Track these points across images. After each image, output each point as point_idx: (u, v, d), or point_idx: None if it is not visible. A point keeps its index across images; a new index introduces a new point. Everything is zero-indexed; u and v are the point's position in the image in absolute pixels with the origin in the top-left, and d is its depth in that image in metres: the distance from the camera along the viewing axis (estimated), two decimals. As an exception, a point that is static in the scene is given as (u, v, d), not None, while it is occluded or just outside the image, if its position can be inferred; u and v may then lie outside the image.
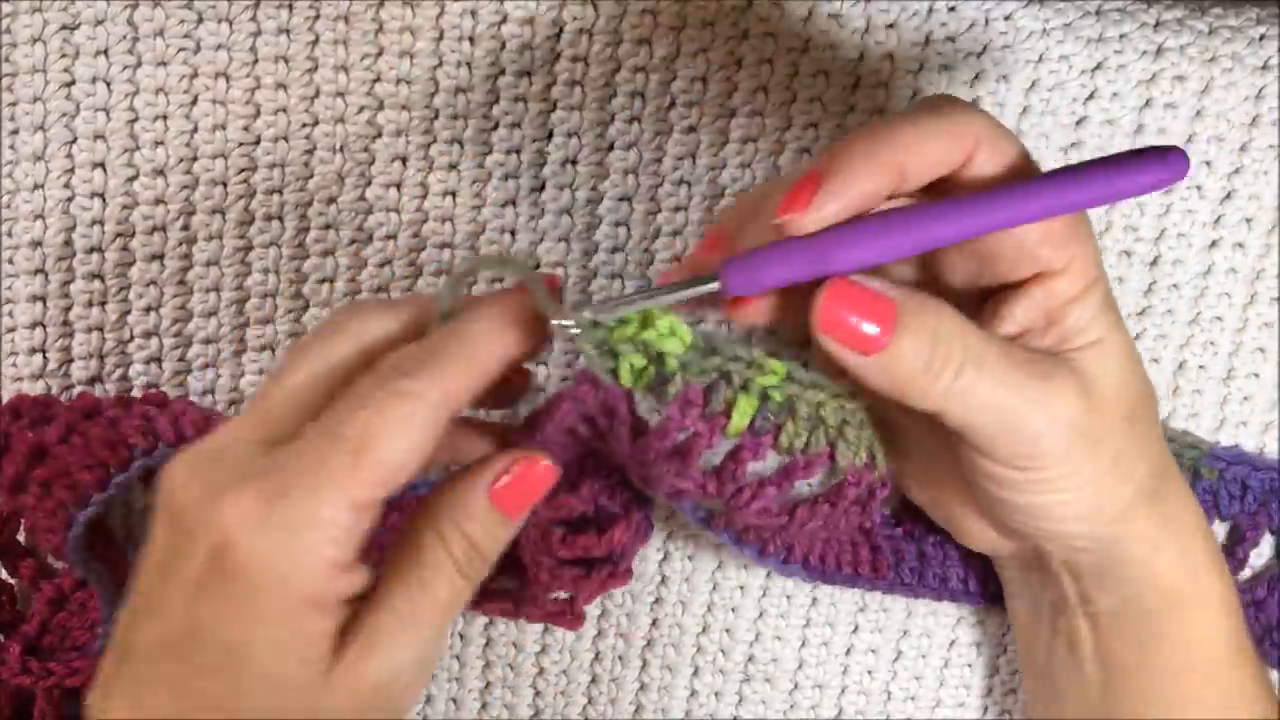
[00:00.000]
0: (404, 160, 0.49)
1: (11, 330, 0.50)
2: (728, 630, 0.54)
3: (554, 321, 0.37)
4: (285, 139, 0.49)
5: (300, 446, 0.35)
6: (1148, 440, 0.41)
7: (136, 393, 0.51)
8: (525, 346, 0.37)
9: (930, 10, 0.47)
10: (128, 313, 0.50)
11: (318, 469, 0.34)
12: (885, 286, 0.37)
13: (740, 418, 0.40)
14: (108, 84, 0.48)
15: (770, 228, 0.37)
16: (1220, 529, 0.51)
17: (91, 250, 0.50)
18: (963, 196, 0.36)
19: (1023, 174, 0.38)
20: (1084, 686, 0.44)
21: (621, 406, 0.40)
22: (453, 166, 0.50)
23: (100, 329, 0.50)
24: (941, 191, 0.38)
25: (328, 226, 0.50)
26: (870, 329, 0.36)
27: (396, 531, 0.39)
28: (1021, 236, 0.38)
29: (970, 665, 0.54)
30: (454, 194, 0.50)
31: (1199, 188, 0.48)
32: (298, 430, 0.35)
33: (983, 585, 0.51)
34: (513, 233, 0.50)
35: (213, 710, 0.35)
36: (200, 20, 0.48)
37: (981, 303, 0.41)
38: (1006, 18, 0.47)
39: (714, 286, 0.37)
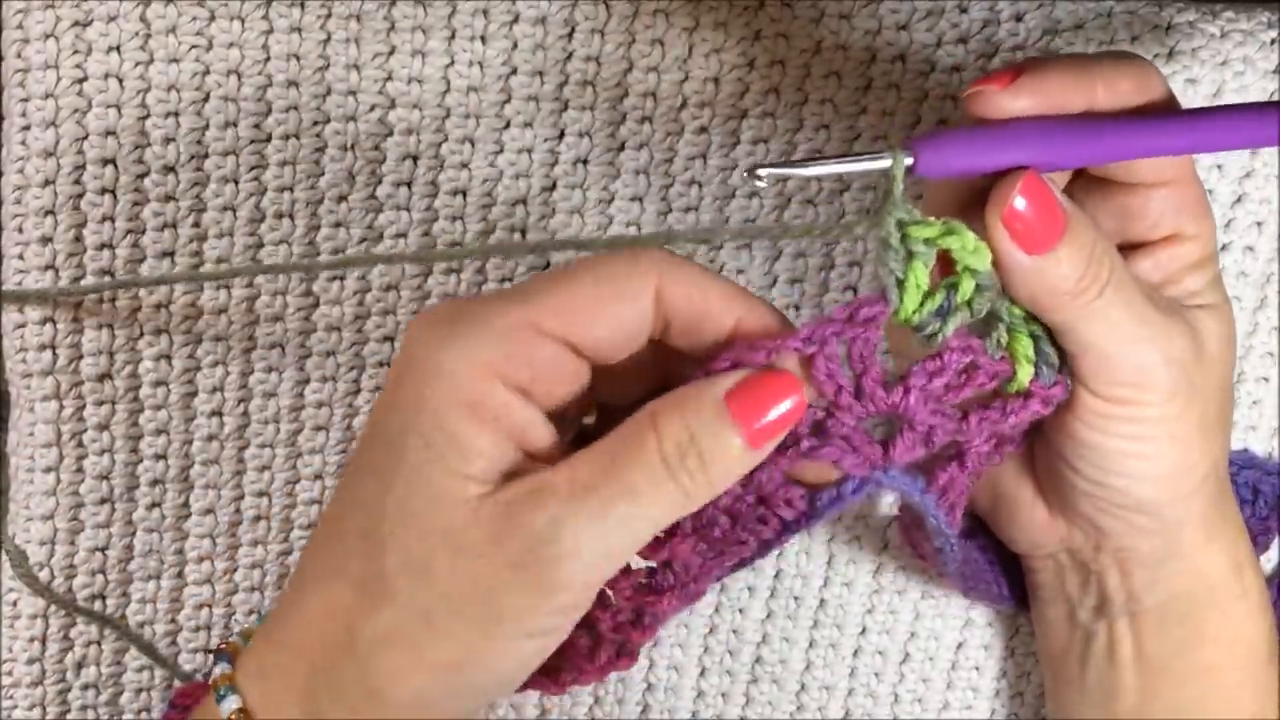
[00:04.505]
0: (415, 159, 0.49)
1: (21, 326, 0.50)
2: (735, 631, 0.54)
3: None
4: (297, 136, 0.49)
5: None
6: (1226, 422, 0.42)
7: (145, 390, 0.51)
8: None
9: (942, 12, 0.47)
10: (138, 309, 0.50)
11: (506, 294, 0.35)
12: (1060, 195, 0.38)
13: (1025, 368, 0.38)
14: (120, 80, 0.48)
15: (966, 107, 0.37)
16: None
17: (102, 246, 0.50)
18: (1161, 116, 0.38)
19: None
20: (1119, 694, 0.45)
21: (876, 327, 0.36)
22: (464, 165, 0.50)
23: (110, 325, 0.50)
24: None
25: (338, 224, 0.50)
26: (1045, 230, 0.37)
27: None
28: (1167, 198, 0.40)
29: (978, 668, 0.54)
30: (464, 193, 0.50)
31: (1210, 192, 0.48)
32: None
33: (1012, 588, 0.50)
34: (523, 232, 0.50)
35: (365, 511, 0.35)
36: (213, 18, 0.48)
37: None
38: (1018, 19, 0.47)
39: (907, 162, 0.36)
